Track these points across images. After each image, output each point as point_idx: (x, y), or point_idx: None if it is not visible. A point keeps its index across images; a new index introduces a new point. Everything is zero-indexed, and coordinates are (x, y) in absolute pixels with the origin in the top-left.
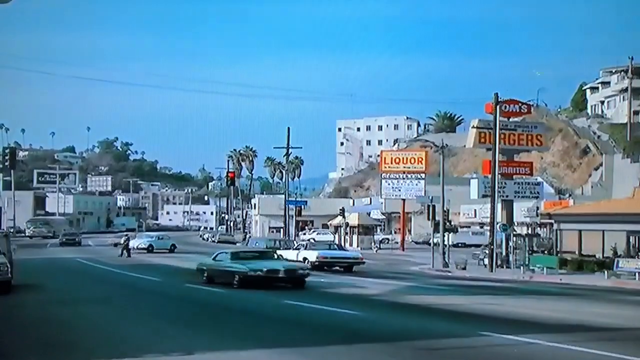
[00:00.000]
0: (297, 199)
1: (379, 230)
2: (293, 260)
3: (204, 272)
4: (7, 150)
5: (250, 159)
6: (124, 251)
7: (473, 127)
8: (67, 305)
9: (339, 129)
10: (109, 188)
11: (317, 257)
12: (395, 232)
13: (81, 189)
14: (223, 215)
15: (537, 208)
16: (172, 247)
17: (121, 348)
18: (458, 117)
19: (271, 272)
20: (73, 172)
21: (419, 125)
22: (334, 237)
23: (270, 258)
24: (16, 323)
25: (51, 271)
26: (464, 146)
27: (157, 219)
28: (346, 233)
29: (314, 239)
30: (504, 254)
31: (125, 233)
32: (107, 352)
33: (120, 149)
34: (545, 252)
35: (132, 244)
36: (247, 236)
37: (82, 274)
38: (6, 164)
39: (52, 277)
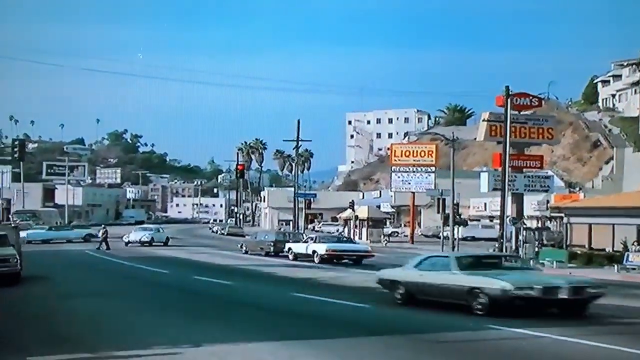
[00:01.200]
0: (306, 192)
1: (388, 223)
2: (302, 254)
3: (397, 286)
4: (16, 142)
5: (260, 151)
6: (102, 244)
7: (484, 120)
8: (75, 297)
9: (349, 122)
10: (118, 180)
11: (326, 250)
12: (404, 225)
13: (90, 181)
14: (232, 207)
15: (547, 201)
16: (166, 240)
17: (129, 340)
18: (468, 110)
19: (549, 291)
20: (82, 164)
21: (429, 118)
22: (343, 229)
23: (515, 267)
24: (24, 315)
25: (59, 263)
26: (475, 139)
27: (166, 212)
28: (355, 226)
29: (321, 231)
30: (513, 247)
31: (102, 225)
32: (114, 343)
33: (130, 141)
34: (555, 245)
35: (133, 237)
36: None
37: (90, 265)
38: (15, 155)
39: (60, 269)
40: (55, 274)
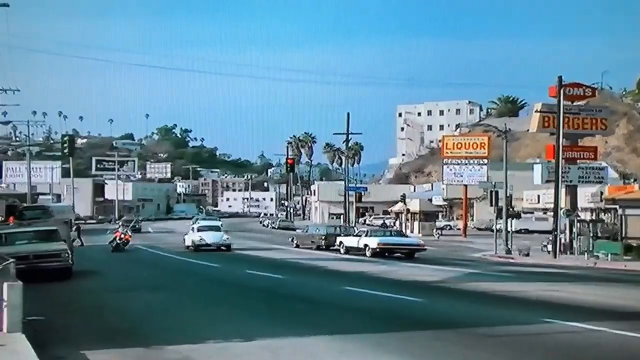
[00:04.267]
0: (357, 185)
1: (440, 216)
2: (354, 247)
3: None
4: (65, 138)
5: (310, 145)
6: (118, 242)
7: (536, 111)
8: (126, 291)
9: (399, 114)
10: (169, 175)
11: (377, 244)
12: (457, 219)
13: (140, 176)
14: (282, 201)
15: (602, 193)
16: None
17: (180, 333)
18: (521, 101)
19: None
20: (132, 159)
21: (481, 109)
22: (394, 223)
23: None
24: (77, 309)
25: (111, 257)
26: (527, 131)
27: (216, 206)
28: (407, 219)
29: (373, 225)
30: (567, 240)
31: (120, 221)
32: (165, 337)
33: (180, 136)
34: (610, 238)
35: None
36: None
37: (141, 260)
38: (65, 151)
39: (111, 264)
40: (104, 269)
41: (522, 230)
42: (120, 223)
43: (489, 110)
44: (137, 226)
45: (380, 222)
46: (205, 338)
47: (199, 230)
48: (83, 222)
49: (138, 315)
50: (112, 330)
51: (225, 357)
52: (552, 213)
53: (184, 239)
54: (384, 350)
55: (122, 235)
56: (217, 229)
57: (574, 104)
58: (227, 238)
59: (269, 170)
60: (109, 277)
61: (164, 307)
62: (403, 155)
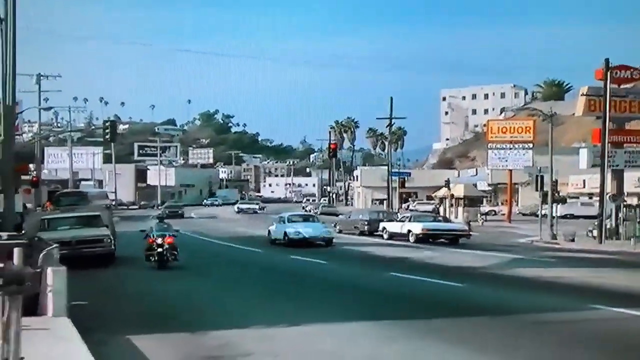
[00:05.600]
0: (400, 170)
1: (484, 201)
2: (397, 233)
3: None
4: (107, 123)
5: (352, 130)
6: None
7: (582, 94)
8: (170, 277)
9: (444, 98)
10: (211, 160)
11: (421, 230)
12: (501, 204)
13: (182, 162)
14: (325, 187)
15: None
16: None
17: (223, 319)
18: (566, 85)
19: None
20: (174, 144)
21: (526, 93)
22: (438, 208)
23: None
24: (121, 294)
25: None
26: (573, 114)
27: (259, 191)
28: (451, 205)
29: (416, 210)
30: (613, 225)
31: (156, 214)
32: (209, 322)
33: (222, 122)
34: None
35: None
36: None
37: (183, 246)
38: (106, 137)
39: None
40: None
41: (568, 216)
42: (156, 221)
43: (534, 94)
44: (179, 212)
45: (425, 207)
46: (249, 324)
47: (290, 220)
48: (126, 207)
49: (182, 301)
50: (156, 316)
51: (267, 343)
52: (597, 198)
53: (269, 231)
54: (429, 336)
55: (160, 241)
56: (313, 219)
57: (621, 87)
58: (329, 231)
59: (311, 156)
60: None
61: (208, 292)
62: (447, 139)
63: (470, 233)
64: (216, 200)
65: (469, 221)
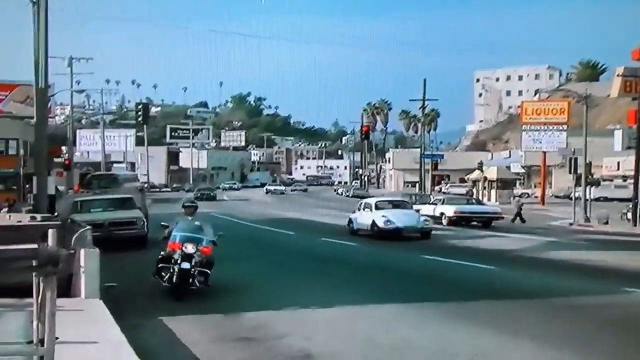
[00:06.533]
0: (432, 153)
1: (518, 184)
2: (430, 216)
3: None
4: (139, 106)
5: (385, 112)
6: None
7: (618, 75)
8: None
9: (477, 80)
10: (243, 143)
11: (454, 212)
12: (535, 187)
13: (214, 144)
14: (357, 169)
15: None
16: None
17: (257, 300)
18: (601, 66)
19: None
20: (206, 127)
21: (560, 74)
22: (471, 191)
23: None
24: (150, 277)
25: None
26: (608, 96)
27: (291, 174)
28: (484, 187)
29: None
30: None
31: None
32: (243, 304)
33: (253, 104)
34: None
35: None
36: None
37: (217, 228)
38: (139, 119)
39: None
40: None
41: (601, 198)
42: (184, 217)
43: (569, 75)
44: (212, 194)
45: (458, 190)
46: (283, 306)
47: (378, 207)
48: (158, 189)
49: (215, 283)
50: (188, 298)
51: (301, 324)
52: (632, 180)
53: (350, 220)
54: (461, 320)
55: (191, 249)
56: (405, 205)
57: None
58: (426, 220)
59: (343, 138)
60: None
61: (241, 275)
62: (481, 121)
63: (504, 216)
64: (235, 184)
65: (520, 204)
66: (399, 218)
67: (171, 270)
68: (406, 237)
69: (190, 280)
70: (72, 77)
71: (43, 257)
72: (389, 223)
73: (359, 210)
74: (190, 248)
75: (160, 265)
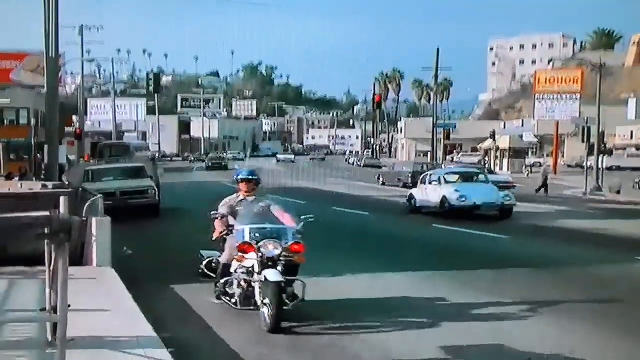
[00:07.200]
0: (445, 122)
1: (530, 153)
2: None
3: None
4: (151, 75)
5: (398, 81)
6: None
7: (634, 43)
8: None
9: (491, 49)
10: (254, 113)
11: None
12: (547, 156)
13: (226, 114)
14: (368, 139)
15: None
16: None
17: None
18: (617, 35)
19: None
20: (217, 96)
21: (575, 43)
22: (484, 160)
23: None
24: (162, 246)
25: (197, 195)
26: (623, 65)
27: (302, 144)
28: (496, 157)
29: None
30: None
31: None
32: None
33: (265, 74)
34: None
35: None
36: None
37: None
38: (150, 88)
39: (198, 201)
40: (192, 206)
41: (614, 168)
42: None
43: (583, 43)
44: (223, 164)
45: (470, 159)
46: None
47: (447, 180)
48: (169, 159)
49: None
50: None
51: (311, 291)
52: None
53: (411, 196)
54: (473, 288)
55: (272, 250)
56: (479, 176)
57: None
58: (508, 195)
59: (355, 108)
60: (196, 215)
61: None
62: (494, 90)
63: (515, 185)
64: (239, 154)
65: (547, 174)
66: (475, 193)
67: (244, 286)
68: (478, 216)
69: (283, 303)
70: (83, 46)
71: (55, 225)
72: (463, 199)
73: (422, 183)
74: (271, 248)
75: (222, 281)
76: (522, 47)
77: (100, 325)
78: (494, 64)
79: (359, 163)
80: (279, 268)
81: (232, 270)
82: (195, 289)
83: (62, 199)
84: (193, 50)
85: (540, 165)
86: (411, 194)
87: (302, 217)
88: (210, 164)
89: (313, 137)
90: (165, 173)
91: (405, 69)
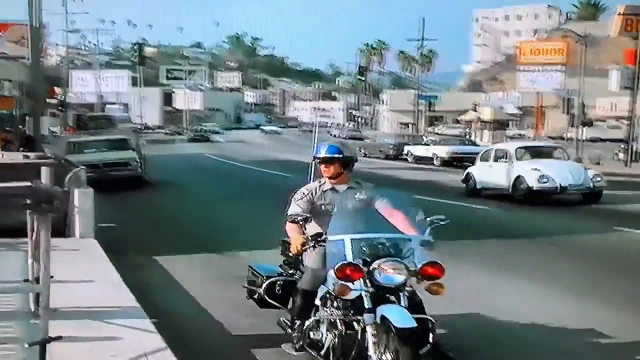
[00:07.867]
0: (427, 94)
1: (512, 125)
2: (422, 157)
3: None
4: (135, 46)
5: (381, 52)
6: None
7: (619, 13)
8: (200, 201)
9: (476, 20)
10: (238, 84)
11: (447, 153)
12: (529, 127)
13: (210, 86)
14: (351, 111)
15: None
16: None
17: (250, 239)
18: (603, 5)
19: None
20: (201, 68)
21: (560, 14)
22: (467, 131)
23: None
24: (145, 218)
25: (180, 167)
26: (608, 36)
27: (284, 115)
28: (478, 128)
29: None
30: None
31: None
32: (235, 243)
33: (250, 45)
34: None
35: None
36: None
37: (211, 169)
38: (135, 60)
39: (181, 173)
40: (175, 178)
41: (595, 139)
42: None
43: (569, 14)
44: (205, 136)
45: (451, 131)
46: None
47: (521, 157)
48: (152, 130)
49: (211, 225)
50: (184, 238)
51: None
52: (626, 121)
53: (468, 176)
54: (462, 260)
55: (399, 278)
56: (554, 152)
57: None
58: (598, 176)
59: (338, 79)
60: (181, 186)
61: (234, 214)
62: (478, 62)
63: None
64: (215, 126)
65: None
66: (558, 173)
67: (341, 330)
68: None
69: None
70: (67, 16)
71: (37, 195)
72: (544, 180)
73: (486, 160)
74: (392, 272)
75: (296, 309)
76: (506, 17)
77: (84, 296)
78: (478, 35)
79: (341, 135)
80: (403, 302)
81: (317, 301)
82: (178, 259)
83: (43, 169)
84: (177, 21)
85: (522, 137)
86: (468, 172)
87: (428, 219)
88: (192, 135)
89: (296, 109)
90: (147, 144)
91: (390, 40)
